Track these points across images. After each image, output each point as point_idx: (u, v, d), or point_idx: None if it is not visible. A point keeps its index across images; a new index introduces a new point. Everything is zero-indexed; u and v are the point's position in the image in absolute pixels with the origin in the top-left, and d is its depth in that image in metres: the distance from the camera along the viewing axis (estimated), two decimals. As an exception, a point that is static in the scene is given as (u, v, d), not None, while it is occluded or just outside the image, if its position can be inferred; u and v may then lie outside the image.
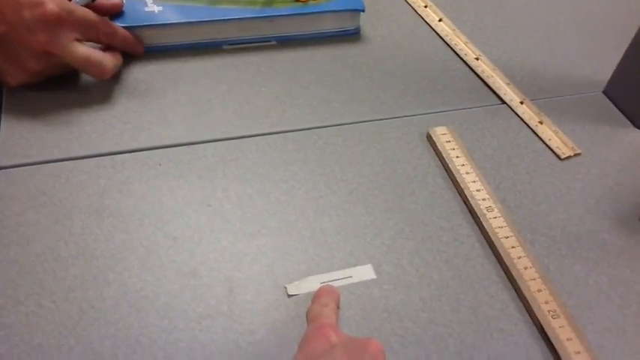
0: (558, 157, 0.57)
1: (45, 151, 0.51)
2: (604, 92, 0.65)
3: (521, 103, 0.61)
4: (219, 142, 0.54)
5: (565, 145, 0.58)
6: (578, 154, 0.57)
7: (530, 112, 0.60)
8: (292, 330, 0.42)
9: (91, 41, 0.56)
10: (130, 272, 0.44)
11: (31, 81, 0.54)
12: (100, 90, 0.57)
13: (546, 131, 0.59)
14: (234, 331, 0.41)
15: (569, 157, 0.57)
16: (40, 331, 0.40)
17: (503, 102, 0.62)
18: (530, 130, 0.59)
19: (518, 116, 0.60)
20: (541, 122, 0.60)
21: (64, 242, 0.45)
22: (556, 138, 0.58)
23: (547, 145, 0.58)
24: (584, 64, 0.68)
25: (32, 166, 0.50)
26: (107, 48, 0.58)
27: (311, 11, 0.65)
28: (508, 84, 0.63)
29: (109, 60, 0.55)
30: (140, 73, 0.59)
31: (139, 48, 0.60)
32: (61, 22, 0.52)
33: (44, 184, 0.49)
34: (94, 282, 0.43)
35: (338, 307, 0.43)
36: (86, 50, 0.54)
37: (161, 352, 0.40)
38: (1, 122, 0.52)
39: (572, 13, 0.76)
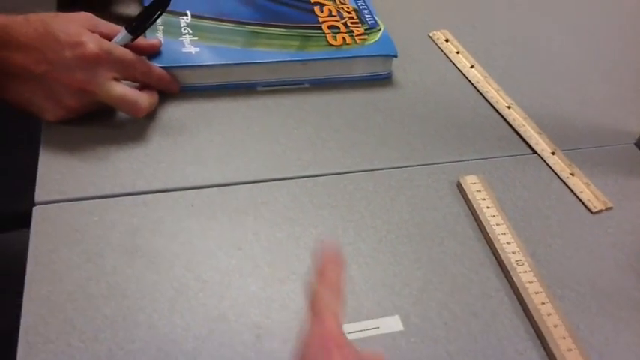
0: (590, 210, 0.56)
1: (80, 188, 0.52)
2: (636, 144, 0.64)
3: (553, 153, 0.61)
4: (251, 185, 0.54)
5: (597, 198, 0.57)
6: (610, 208, 0.57)
7: (562, 164, 0.60)
8: (318, 380, 0.41)
9: (128, 80, 0.57)
10: (159, 314, 0.44)
11: (68, 117, 0.56)
12: (135, 127, 0.58)
13: (577, 183, 0.59)
14: (261, 379, 0.41)
15: (600, 211, 0.56)
16: (69, 371, 0.40)
17: (535, 152, 0.62)
18: (561, 182, 0.59)
19: (550, 167, 0.60)
20: (572, 174, 0.59)
21: (95, 281, 0.45)
22: (587, 191, 0.58)
23: (578, 198, 0.57)
24: (616, 115, 0.68)
25: (67, 203, 0.51)
26: (144, 86, 0.59)
27: (344, 56, 0.66)
28: (539, 133, 0.63)
29: (144, 99, 0.57)
30: (175, 112, 0.60)
31: (175, 87, 0.62)
32: (99, 61, 0.53)
33: (78, 221, 0.49)
34: (123, 323, 0.43)
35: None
36: (123, 89, 0.55)
37: (187, 397, 0.40)
38: (40, 159, 0.54)
39: (604, 62, 0.76)
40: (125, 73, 0.56)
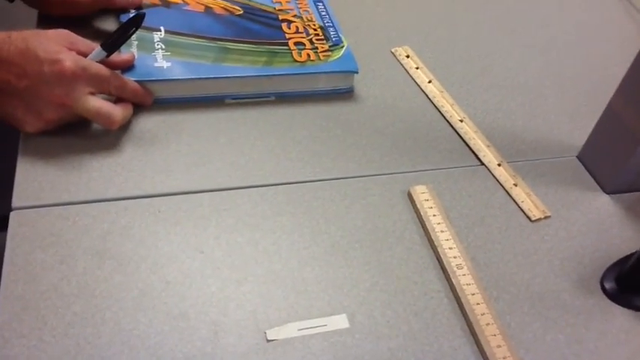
0: (529, 218, 0.61)
1: (55, 195, 0.56)
2: (578, 157, 0.69)
3: (499, 165, 0.66)
4: (215, 193, 0.59)
5: (536, 207, 0.62)
6: (548, 217, 0.62)
7: (507, 174, 0.65)
8: (268, 373, 0.46)
9: (103, 94, 0.61)
10: (124, 312, 0.48)
11: (47, 129, 0.60)
12: (109, 138, 0.62)
13: (520, 193, 0.63)
14: (216, 371, 0.46)
15: (539, 219, 0.61)
16: (40, 364, 0.44)
17: (482, 163, 0.66)
18: (504, 192, 0.64)
19: (495, 178, 0.65)
20: (516, 184, 0.64)
21: (67, 281, 0.49)
22: (528, 200, 0.63)
23: (519, 207, 0.62)
24: (562, 129, 0.73)
25: (43, 208, 0.55)
26: (118, 100, 0.63)
27: (307, 72, 0.70)
28: (488, 146, 0.68)
29: (118, 112, 0.61)
30: (147, 123, 0.64)
31: (148, 100, 0.66)
32: (76, 77, 0.57)
33: (52, 226, 0.53)
34: (92, 320, 0.47)
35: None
36: (98, 103, 0.59)
37: (148, 387, 0.44)
38: (17, 166, 0.57)
39: (554, 79, 0.81)
40: (100, 87, 0.60)
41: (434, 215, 0.59)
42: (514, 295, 0.54)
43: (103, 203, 0.56)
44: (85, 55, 0.60)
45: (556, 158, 0.69)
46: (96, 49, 0.61)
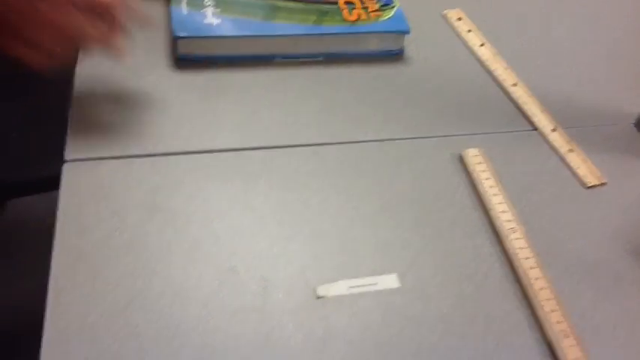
0: (584, 185, 0.59)
1: (106, 148, 0.56)
2: (634, 124, 0.67)
3: (553, 130, 0.64)
4: (264, 150, 0.58)
5: (592, 174, 0.60)
6: (604, 184, 0.60)
7: (561, 140, 0.63)
8: (319, 329, 0.46)
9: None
10: (175, 265, 0.48)
11: (52, 64, 0.53)
12: (159, 93, 0.62)
13: (575, 160, 0.61)
14: (266, 325, 0.45)
15: (594, 186, 0.59)
16: (93, 312, 0.45)
17: (536, 128, 0.64)
18: (559, 158, 0.62)
19: (549, 143, 0.63)
20: (571, 150, 0.62)
21: (119, 233, 0.50)
22: (584, 167, 0.61)
23: (574, 173, 0.60)
24: (618, 96, 0.70)
25: (95, 161, 0.55)
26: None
27: (358, 31, 0.69)
28: (542, 111, 0.66)
29: (122, 41, 0.54)
30: (196, 81, 0.64)
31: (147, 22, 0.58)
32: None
33: (104, 179, 0.54)
34: (143, 271, 0.48)
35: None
36: (99, 30, 0.53)
37: (199, 338, 0.44)
38: (70, 120, 0.58)
39: (610, 44, 0.78)
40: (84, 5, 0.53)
41: (486, 179, 0.58)
42: (567, 263, 0.53)
43: (153, 158, 0.56)
44: None
45: (612, 125, 0.67)
46: None
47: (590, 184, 0.59)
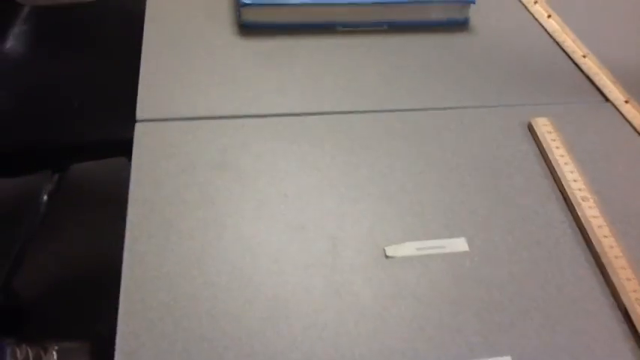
0: (659, 156, 0.57)
1: (175, 110, 0.57)
2: None
3: (626, 102, 0.62)
4: (330, 115, 0.58)
5: (667, 145, 0.58)
6: (680, 156, 0.58)
7: (635, 111, 0.61)
8: (388, 287, 0.45)
9: None
10: (245, 220, 0.49)
11: None
12: (225, 58, 0.62)
13: (649, 131, 0.59)
14: (335, 281, 0.46)
15: (670, 158, 0.57)
16: (168, 261, 0.45)
17: (608, 100, 0.63)
18: (631, 129, 0.60)
19: (622, 114, 0.61)
20: (644, 122, 0.60)
21: (190, 189, 0.50)
22: (658, 138, 0.59)
23: (648, 145, 0.58)
24: (694, 69, 0.68)
25: (164, 122, 0.56)
26: None
27: (422, 0, 0.68)
28: (614, 82, 0.64)
29: None
30: (261, 47, 0.64)
31: None
32: None
33: (174, 139, 0.54)
34: (213, 225, 0.48)
35: None
36: None
37: (270, 290, 0.44)
38: (140, 82, 0.59)
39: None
40: None
41: (557, 147, 0.56)
42: (643, 231, 0.51)
43: (221, 120, 0.57)
44: None
45: (688, 98, 0.64)
46: None
47: None
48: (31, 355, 0.84)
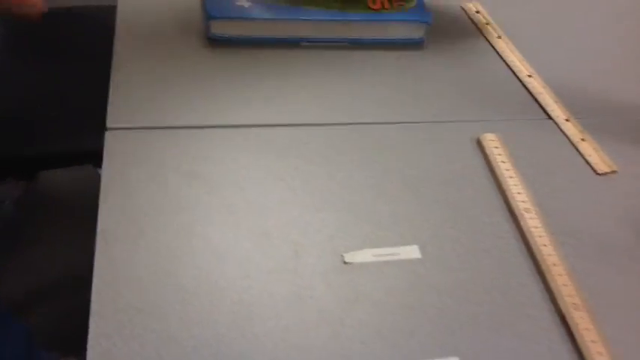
0: (595, 172, 0.62)
1: (145, 119, 0.59)
2: (645, 118, 0.70)
3: (567, 120, 0.67)
4: (294, 127, 0.61)
5: (603, 162, 0.63)
6: (615, 172, 0.63)
7: (574, 129, 0.66)
8: (347, 291, 0.49)
9: None
10: (213, 227, 0.51)
11: None
12: (192, 69, 0.65)
13: (587, 148, 0.65)
14: (297, 285, 0.49)
15: (605, 173, 0.62)
16: (138, 266, 0.48)
17: (550, 117, 0.68)
18: (571, 146, 0.65)
19: (563, 132, 0.66)
20: (583, 139, 0.65)
21: (160, 196, 0.53)
22: (595, 155, 0.64)
23: (586, 161, 0.63)
24: (631, 90, 0.73)
25: (134, 130, 0.58)
26: None
27: (382, 19, 0.72)
28: (556, 102, 0.69)
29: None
30: (228, 60, 0.67)
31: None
32: None
33: (144, 147, 0.57)
34: (182, 230, 0.51)
35: None
36: None
37: (236, 295, 0.47)
38: (111, 90, 0.61)
39: (624, 43, 0.81)
40: None
41: (503, 162, 0.61)
42: (579, 241, 0.56)
43: (190, 130, 0.59)
44: None
45: (625, 116, 0.70)
46: None
47: (601, 172, 0.62)
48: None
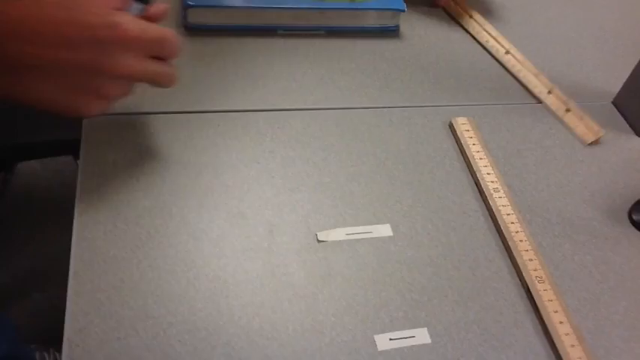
0: (574, 146, 0.64)
1: (122, 105, 0.60)
2: (613, 102, 0.72)
3: (549, 92, 0.69)
4: (269, 112, 0.62)
5: (589, 129, 0.66)
6: (600, 138, 0.65)
7: (558, 101, 0.68)
8: (319, 268, 0.50)
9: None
10: (189, 208, 0.53)
11: (107, 109, 0.50)
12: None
13: (572, 119, 0.67)
14: (272, 263, 0.50)
15: (574, 155, 0.64)
16: (114, 246, 0.49)
17: (532, 94, 0.70)
18: (541, 129, 0.67)
19: (547, 107, 0.69)
20: (568, 110, 0.68)
21: (136, 179, 0.54)
22: (581, 125, 0.66)
23: (565, 136, 0.66)
24: (598, 77, 0.75)
25: (111, 116, 0.59)
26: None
27: (357, 7, 0.73)
28: (536, 75, 0.71)
29: (172, 69, 0.53)
30: (205, 47, 0.68)
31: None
32: (138, 41, 0.47)
33: (121, 132, 0.58)
34: (160, 213, 0.52)
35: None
36: (155, 65, 0.51)
37: (212, 272, 0.49)
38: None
39: (593, 31, 0.83)
40: (160, 50, 0.50)
41: (473, 144, 0.63)
42: (546, 219, 0.58)
43: (167, 115, 0.60)
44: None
45: (592, 102, 0.72)
46: (132, 3, 0.49)
47: (588, 141, 0.66)
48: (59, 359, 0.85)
